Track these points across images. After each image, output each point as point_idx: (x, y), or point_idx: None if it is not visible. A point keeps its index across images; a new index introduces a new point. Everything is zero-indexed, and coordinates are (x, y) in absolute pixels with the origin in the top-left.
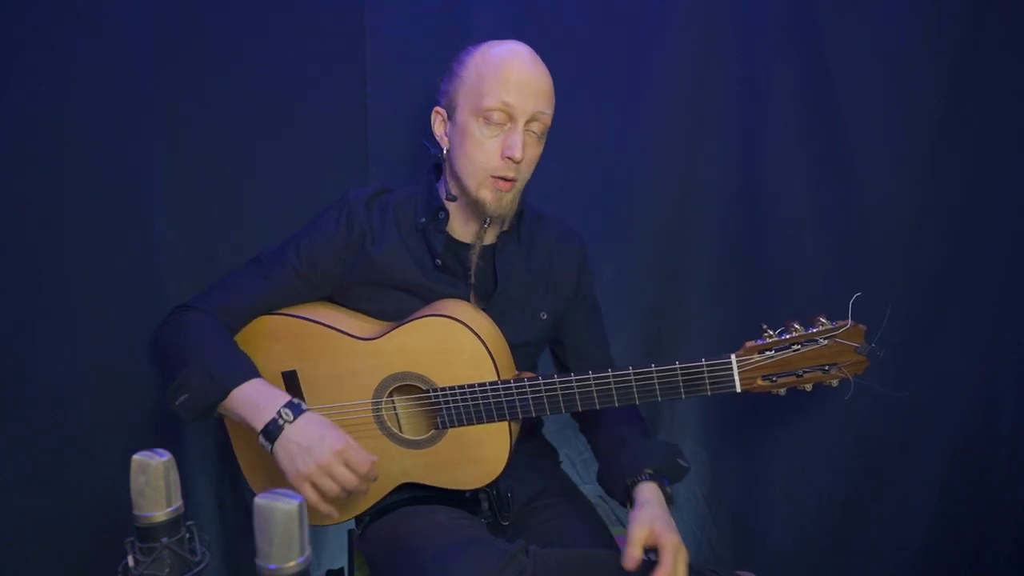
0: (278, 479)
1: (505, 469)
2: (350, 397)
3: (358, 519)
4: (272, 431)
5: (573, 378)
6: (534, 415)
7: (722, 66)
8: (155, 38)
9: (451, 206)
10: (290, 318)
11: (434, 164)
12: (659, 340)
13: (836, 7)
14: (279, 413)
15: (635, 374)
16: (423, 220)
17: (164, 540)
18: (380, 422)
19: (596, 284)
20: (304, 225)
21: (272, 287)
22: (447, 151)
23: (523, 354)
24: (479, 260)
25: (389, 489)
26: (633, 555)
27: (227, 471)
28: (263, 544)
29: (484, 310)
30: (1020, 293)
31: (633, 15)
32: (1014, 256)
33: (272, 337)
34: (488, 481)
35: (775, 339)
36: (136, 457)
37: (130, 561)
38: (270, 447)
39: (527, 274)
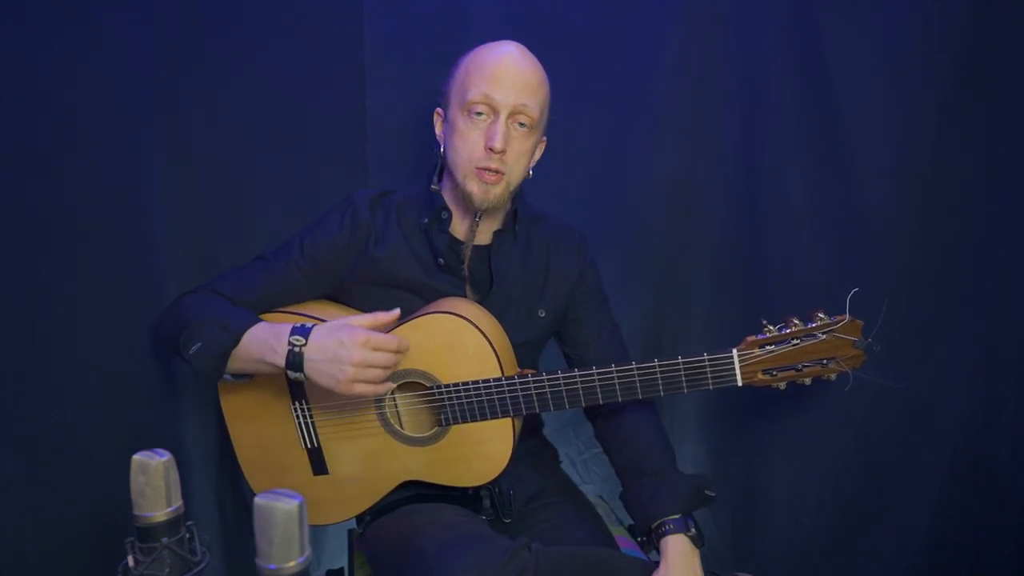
0: (279, 479)
1: (507, 467)
2: None
3: (359, 518)
4: (295, 361)
5: (577, 374)
6: (538, 411)
7: (722, 66)
8: (155, 38)
9: (451, 207)
10: (293, 315)
11: (435, 166)
12: (659, 340)
13: (836, 7)
14: (291, 342)
15: (638, 368)
16: (426, 220)
17: (164, 540)
18: (383, 419)
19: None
20: (308, 224)
21: (275, 282)
22: (443, 149)
23: (523, 353)
24: (474, 259)
25: (391, 487)
26: None
27: (227, 471)
28: (263, 544)
29: None
30: (1020, 293)
31: (633, 15)
32: (1014, 256)
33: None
34: (491, 478)
35: (775, 334)
36: (136, 457)
37: (130, 561)
38: (303, 376)
39: (524, 273)
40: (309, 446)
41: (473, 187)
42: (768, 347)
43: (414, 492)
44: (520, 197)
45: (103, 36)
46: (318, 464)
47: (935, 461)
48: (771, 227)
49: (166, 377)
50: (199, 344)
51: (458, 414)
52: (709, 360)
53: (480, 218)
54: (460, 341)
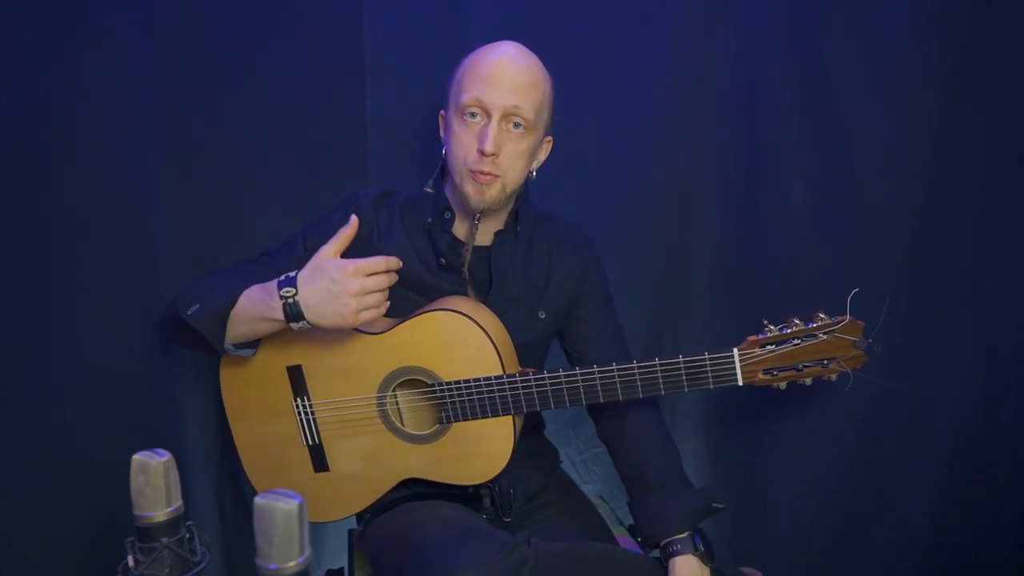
0: (280, 475)
1: (507, 466)
2: (355, 391)
3: (359, 517)
4: (293, 312)
5: (578, 372)
6: (539, 409)
7: (722, 66)
8: (155, 38)
9: (454, 207)
10: None
11: (440, 166)
12: (659, 340)
13: (836, 7)
14: (282, 295)
15: (639, 367)
16: (429, 220)
17: (164, 540)
18: (384, 417)
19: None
20: (311, 222)
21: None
22: (444, 151)
23: (524, 354)
24: (475, 259)
25: (392, 485)
26: None
27: (227, 471)
28: (263, 544)
29: None
30: (1020, 293)
31: (633, 15)
32: (1014, 256)
33: (278, 331)
34: (491, 476)
35: (776, 334)
36: (136, 457)
37: (130, 561)
38: (307, 324)
39: (525, 274)
40: (310, 443)
41: (469, 189)
42: (769, 347)
43: (414, 490)
44: (523, 197)
45: (103, 36)
46: (319, 461)
47: (935, 461)
48: (771, 227)
49: (166, 377)
50: (197, 305)
51: (459, 412)
52: (710, 359)
53: (479, 219)
54: (462, 339)
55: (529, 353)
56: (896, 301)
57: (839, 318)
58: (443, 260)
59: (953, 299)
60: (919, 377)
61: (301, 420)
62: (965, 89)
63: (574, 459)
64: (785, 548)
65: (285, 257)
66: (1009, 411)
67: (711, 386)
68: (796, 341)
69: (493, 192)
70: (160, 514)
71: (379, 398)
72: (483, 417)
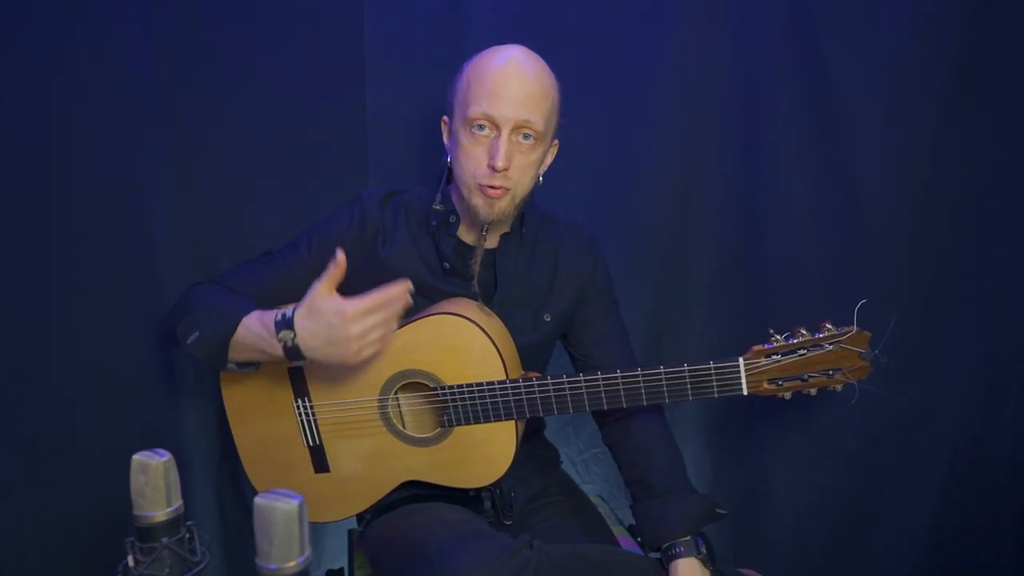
0: (280, 476)
1: (509, 469)
2: (356, 394)
3: (360, 517)
4: (294, 353)
5: (582, 378)
6: (542, 415)
7: (722, 66)
8: (155, 39)
9: (460, 214)
10: None
11: (443, 168)
12: (659, 340)
13: (836, 7)
14: (280, 338)
15: (643, 375)
16: (434, 223)
17: (164, 540)
18: (386, 419)
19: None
20: (315, 222)
21: (281, 278)
22: (449, 159)
23: (528, 356)
24: (480, 261)
25: (392, 487)
26: None
27: (227, 471)
28: (263, 544)
29: None
30: (1020, 293)
31: (633, 15)
32: (1014, 256)
33: None
34: (492, 480)
35: (782, 343)
36: (136, 457)
37: (130, 561)
38: (306, 362)
39: (530, 276)
40: (311, 444)
41: (478, 202)
42: (774, 356)
43: (415, 492)
44: (528, 200)
45: (103, 36)
46: (320, 462)
47: (935, 461)
48: (771, 227)
49: (166, 377)
50: (196, 333)
51: (461, 415)
52: (715, 368)
53: (488, 229)
54: (465, 342)
55: (533, 355)
56: (896, 301)
57: (845, 328)
58: (447, 264)
59: (953, 299)
60: (920, 378)
61: (302, 421)
62: (965, 89)
63: (574, 459)
64: (785, 548)
65: (289, 258)
66: (1009, 411)
67: (716, 395)
68: (802, 351)
69: (503, 205)
70: (160, 514)
71: (380, 401)
72: (485, 421)
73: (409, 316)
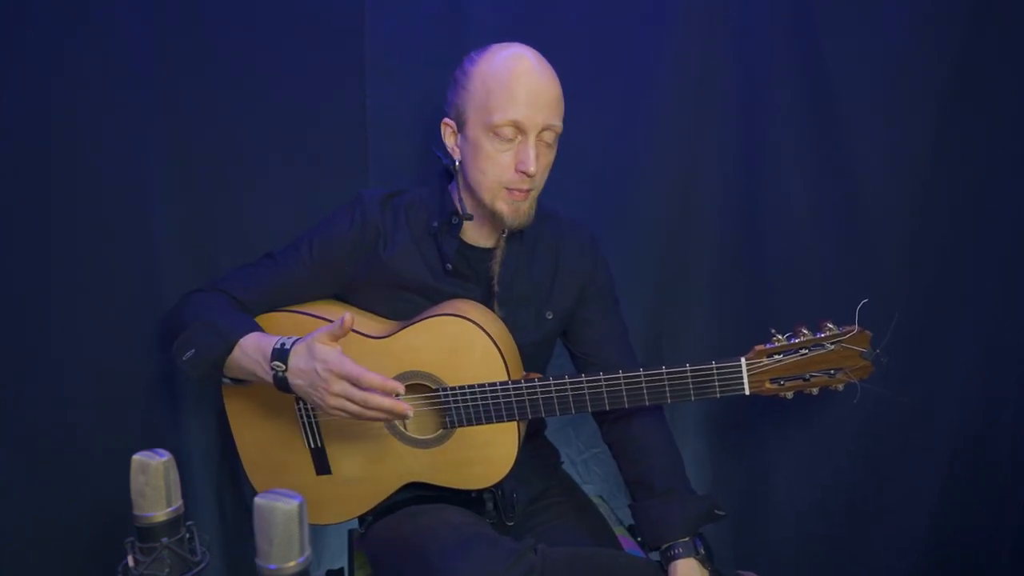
0: (281, 478)
1: (511, 470)
2: None
3: (361, 518)
4: (283, 383)
5: (584, 379)
6: (544, 416)
7: (722, 66)
8: (155, 38)
9: (474, 216)
10: (298, 315)
11: (445, 168)
12: (659, 340)
13: (836, 7)
14: (273, 367)
15: (645, 375)
16: (436, 225)
17: (164, 540)
18: (387, 421)
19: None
20: (315, 223)
21: (282, 280)
22: (459, 163)
23: (528, 355)
24: (480, 261)
25: (394, 488)
26: None
27: (227, 471)
28: (263, 544)
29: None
30: (1020, 293)
31: (633, 15)
32: (1014, 256)
33: (281, 334)
34: (494, 481)
35: (784, 343)
36: (136, 457)
37: (130, 561)
38: (295, 392)
39: (532, 274)
40: (312, 446)
41: (503, 207)
42: (776, 356)
43: (417, 494)
44: None
45: (103, 36)
46: (321, 464)
47: (935, 461)
48: (771, 227)
49: (166, 377)
50: (192, 351)
51: (463, 417)
52: (717, 368)
53: (507, 233)
54: (466, 344)
55: (535, 353)
56: (896, 301)
57: (847, 328)
58: (450, 265)
59: (953, 299)
60: (920, 378)
61: (303, 422)
62: (965, 89)
63: (574, 459)
64: (785, 548)
65: (290, 260)
66: (1009, 411)
67: (718, 395)
68: (804, 351)
69: (526, 207)
70: (160, 514)
71: None
72: (487, 423)
73: (411, 317)
